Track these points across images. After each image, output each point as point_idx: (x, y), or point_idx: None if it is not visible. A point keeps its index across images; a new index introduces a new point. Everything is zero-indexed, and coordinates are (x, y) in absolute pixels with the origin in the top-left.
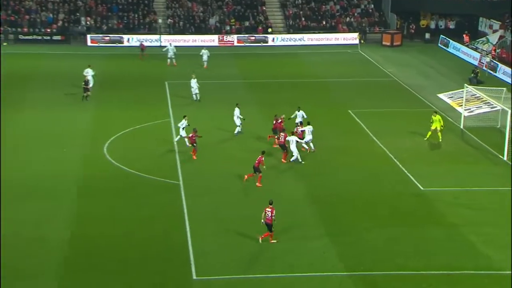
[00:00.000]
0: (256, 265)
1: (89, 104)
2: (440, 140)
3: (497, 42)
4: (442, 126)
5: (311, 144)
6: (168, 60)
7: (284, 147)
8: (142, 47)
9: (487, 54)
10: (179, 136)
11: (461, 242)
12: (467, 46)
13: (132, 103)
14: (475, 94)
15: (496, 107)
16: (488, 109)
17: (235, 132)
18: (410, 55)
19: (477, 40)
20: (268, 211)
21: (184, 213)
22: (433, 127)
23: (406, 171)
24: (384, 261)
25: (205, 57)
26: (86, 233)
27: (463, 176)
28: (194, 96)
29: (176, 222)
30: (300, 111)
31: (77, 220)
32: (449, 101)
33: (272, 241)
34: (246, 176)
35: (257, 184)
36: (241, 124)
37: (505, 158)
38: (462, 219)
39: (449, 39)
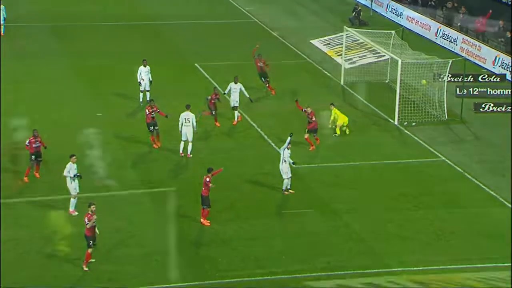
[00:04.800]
0: None
1: None
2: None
3: None
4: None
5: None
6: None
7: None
8: None
9: None
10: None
11: (345, 235)
12: None
13: None
14: (358, 40)
15: (384, 56)
16: (374, 59)
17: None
18: None
19: None
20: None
21: None
22: (339, 122)
23: (273, 144)
24: (244, 267)
25: (1, 17)
26: None
27: (344, 147)
28: None
29: None
30: (238, 83)
31: None
32: (324, 49)
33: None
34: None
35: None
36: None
37: (396, 123)
38: (345, 204)
39: None
